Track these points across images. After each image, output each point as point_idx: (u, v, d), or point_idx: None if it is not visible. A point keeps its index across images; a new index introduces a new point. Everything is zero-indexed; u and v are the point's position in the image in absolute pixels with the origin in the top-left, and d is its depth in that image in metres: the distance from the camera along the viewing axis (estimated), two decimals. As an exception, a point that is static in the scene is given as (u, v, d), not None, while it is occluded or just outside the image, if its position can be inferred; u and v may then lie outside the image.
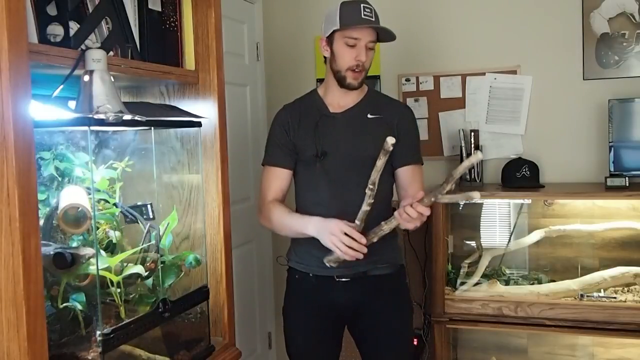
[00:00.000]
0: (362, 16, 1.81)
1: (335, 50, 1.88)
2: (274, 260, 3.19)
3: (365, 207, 1.68)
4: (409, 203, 1.61)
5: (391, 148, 1.57)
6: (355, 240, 1.68)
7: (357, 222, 1.70)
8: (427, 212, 1.61)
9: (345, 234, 1.69)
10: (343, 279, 1.90)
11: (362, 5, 1.82)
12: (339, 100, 1.95)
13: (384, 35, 1.89)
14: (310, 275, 1.94)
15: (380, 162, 1.61)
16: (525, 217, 2.85)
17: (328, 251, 1.77)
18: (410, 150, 1.95)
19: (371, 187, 1.65)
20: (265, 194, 1.95)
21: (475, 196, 1.53)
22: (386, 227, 1.70)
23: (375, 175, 1.64)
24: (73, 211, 1.34)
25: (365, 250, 1.69)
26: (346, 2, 1.86)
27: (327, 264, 1.74)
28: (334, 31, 1.85)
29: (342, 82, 1.89)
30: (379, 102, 1.99)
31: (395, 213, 1.66)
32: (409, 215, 1.60)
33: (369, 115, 1.92)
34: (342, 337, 2.04)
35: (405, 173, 1.94)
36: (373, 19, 1.83)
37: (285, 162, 1.95)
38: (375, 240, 1.71)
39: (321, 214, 1.83)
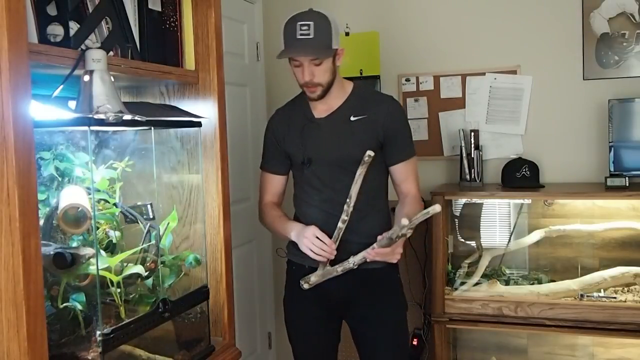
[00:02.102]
0: (297, 37, 1.79)
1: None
2: (274, 260, 3.20)
3: (340, 224, 1.82)
4: (371, 250, 1.78)
5: (368, 159, 1.73)
6: (326, 245, 1.82)
7: (332, 239, 1.84)
8: (385, 251, 1.76)
9: (318, 238, 1.82)
10: None
11: (298, 24, 1.79)
12: (321, 105, 1.95)
13: (327, 53, 1.83)
14: (306, 267, 1.96)
15: (358, 174, 1.76)
16: (525, 217, 2.84)
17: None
18: (402, 146, 1.97)
19: (348, 201, 1.79)
20: (261, 197, 2.07)
21: (437, 209, 1.64)
22: (352, 260, 1.83)
23: (354, 189, 1.77)
24: (73, 211, 1.34)
25: (333, 255, 1.83)
26: (288, 21, 1.84)
27: (302, 285, 1.90)
28: None
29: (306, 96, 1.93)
30: (364, 101, 1.96)
31: (364, 253, 1.80)
32: (375, 255, 1.78)
33: (352, 118, 1.93)
34: (340, 329, 2.09)
35: (398, 170, 1.98)
36: (310, 36, 1.78)
37: (279, 169, 2.04)
38: (339, 271, 1.85)
39: (313, 215, 1.94)
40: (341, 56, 1.90)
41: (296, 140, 1.95)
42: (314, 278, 1.89)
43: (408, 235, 1.72)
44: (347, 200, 1.78)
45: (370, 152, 1.73)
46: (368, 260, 1.80)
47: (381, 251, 1.76)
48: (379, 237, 1.75)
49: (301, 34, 1.79)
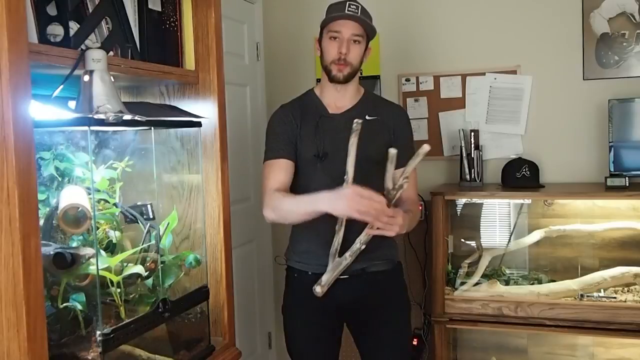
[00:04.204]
0: (346, 12, 1.85)
1: (322, 46, 1.93)
2: (274, 260, 3.20)
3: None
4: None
5: (357, 127, 1.68)
6: (375, 200, 1.62)
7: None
8: (387, 213, 1.64)
9: (362, 196, 1.63)
10: (341, 277, 1.90)
11: (347, 3, 1.86)
12: (335, 101, 1.97)
13: (370, 31, 1.91)
14: (309, 273, 1.94)
15: (351, 143, 1.68)
16: (525, 217, 2.84)
17: (328, 248, 1.78)
18: (407, 153, 1.96)
19: (345, 177, 1.69)
20: (267, 187, 1.90)
21: (426, 148, 1.60)
22: (357, 241, 1.72)
23: (349, 162, 1.69)
24: (73, 211, 1.34)
25: (387, 208, 1.64)
26: (332, 4, 1.91)
27: (316, 292, 1.73)
28: (322, 29, 1.92)
29: (329, 76, 1.92)
30: (376, 104, 2.03)
31: (365, 229, 1.69)
32: (383, 224, 1.65)
33: (367, 117, 1.94)
34: (342, 335, 2.06)
35: None
36: (358, 14, 1.86)
37: (289, 154, 1.92)
38: (348, 257, 1.73)
39: (320, 215, 1.83)
40: (368, 55, 1.96)
41: (310, 133, 1.92)
42: (325, 277, 1.73)
43: (404, 187, 1.68)
44: (345, 177, 1.66)
45: (359, 120, 1.67)
46: (370, 230, 1.68)
47: (383, 212, 1.62)
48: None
49: (350, 11, 1.85)
